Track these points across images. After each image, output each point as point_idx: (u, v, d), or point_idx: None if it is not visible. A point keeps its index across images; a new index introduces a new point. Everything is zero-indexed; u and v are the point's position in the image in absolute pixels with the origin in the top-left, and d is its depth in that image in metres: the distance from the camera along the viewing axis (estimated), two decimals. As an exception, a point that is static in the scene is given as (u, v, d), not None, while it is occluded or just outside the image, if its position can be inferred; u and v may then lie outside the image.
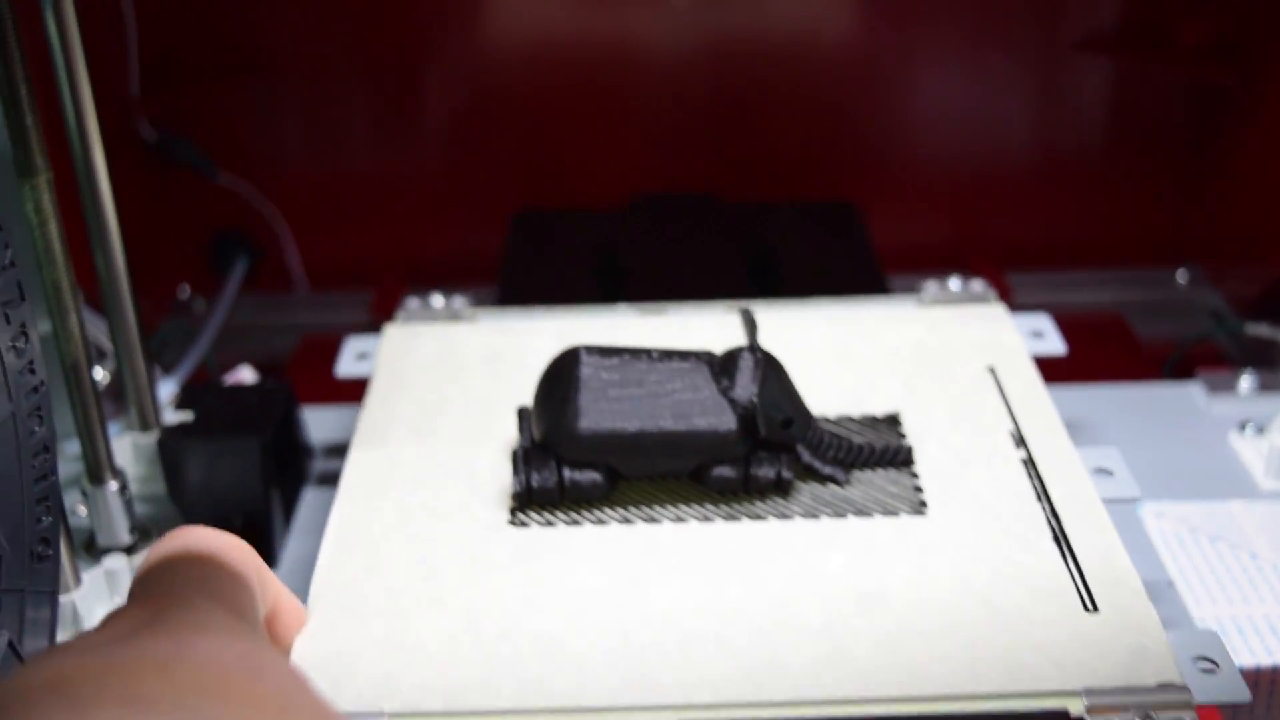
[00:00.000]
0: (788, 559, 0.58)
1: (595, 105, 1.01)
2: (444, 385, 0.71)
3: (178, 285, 1.03)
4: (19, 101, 0.62)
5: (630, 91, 1.01)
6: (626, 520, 0.61)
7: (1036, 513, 0.60)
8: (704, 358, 0.62)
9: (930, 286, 0.77)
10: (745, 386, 0.61)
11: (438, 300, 0.79)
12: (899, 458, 0.64)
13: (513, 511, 0.62)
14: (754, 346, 0.63)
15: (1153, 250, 1.02)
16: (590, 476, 0.61)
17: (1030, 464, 0.63)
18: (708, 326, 0.74)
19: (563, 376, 0.61)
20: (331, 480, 0.68)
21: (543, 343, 0.71)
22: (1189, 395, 0.83)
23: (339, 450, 0.72)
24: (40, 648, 0.54)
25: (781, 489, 0.62)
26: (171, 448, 0.72)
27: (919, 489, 0.62)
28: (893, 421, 0.67)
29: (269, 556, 0.71)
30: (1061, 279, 1.02)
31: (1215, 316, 0.97)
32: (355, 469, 0.65)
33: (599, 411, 0.60)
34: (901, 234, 0.99)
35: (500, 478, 0.64)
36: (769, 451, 0.62)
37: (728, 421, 0.60)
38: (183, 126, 0.99)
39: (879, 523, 0.60)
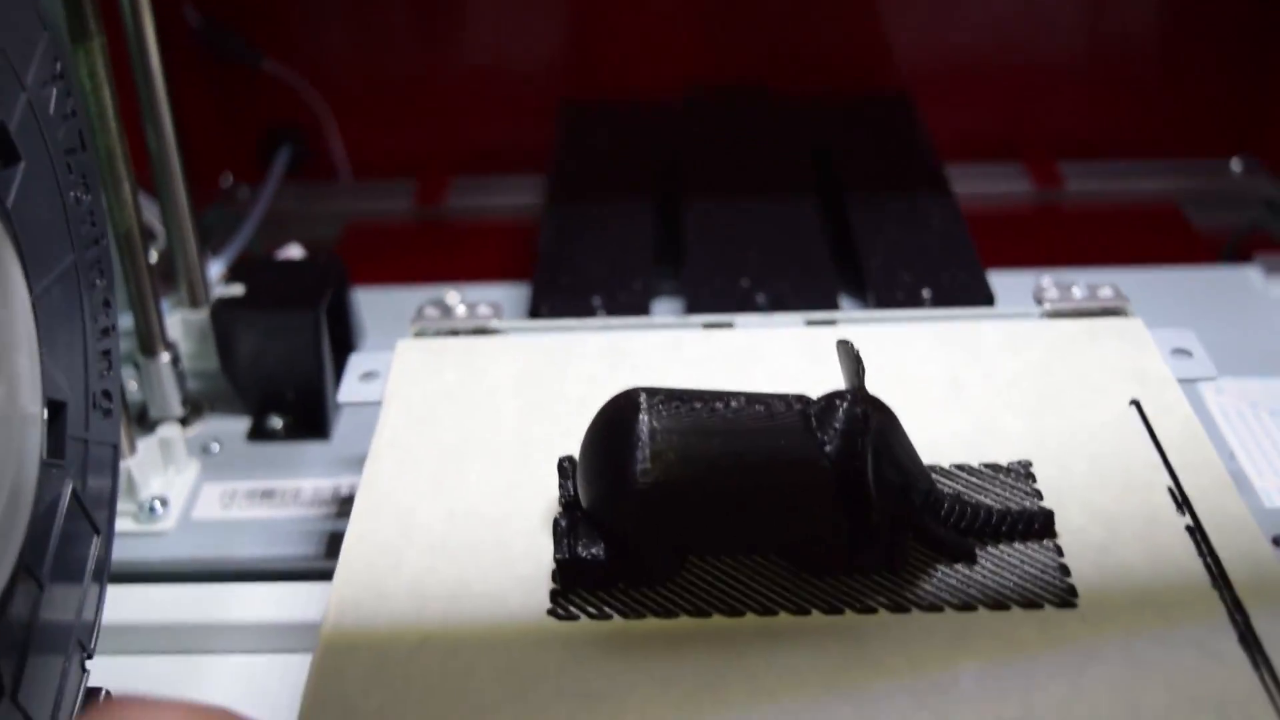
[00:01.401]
0: (906, 668, 0.46)
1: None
2: (466, 421, 0.58)
3: (221, 174, 1.02)
4: (71, -38, 0.61)
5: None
6: (699, 610, 0.48)
7: (1214, 604, 0.47)
8: (796, 404, 0.49)
9: (1049, 288, 0.65)
10: (849, 442, 0.47)
11: (459, 306, 0.66)
12: (1037, 526, 0.51)
13: (553, 597, 0.49)
14: (859, 391, 0.49)
15: (1207, 139, 1.00)
16: (653, 553, 0.49)
17: (1198, 533, 0.51)
18: (787, 344, 0.62)
19: (618, 427, 0.48)
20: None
21: (588, 366, 0.60)
22: (1246, 278, 0.82)
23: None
24: (103, 499, 0.54)
25: (893, 569, 0.49)
26: (224, 319, 0.72)
27: (1064, 569, 0.49)
28: (1023, 473, 0.54)
29: (322, 430, 0.72)
30: (1115, 168, 1.00)
31: (1270, 205, 0.96)
32: (358, 535, 0.52)
33: (663, 470, 0.47)
34: (954, 123, 0.97)
35: (537, 550, 0.51)
36: (878, 522, 0.49)
37: (826, 485, 0.47)
38: (228, 13, 0.98)
39: (1019, 619, 0.47)
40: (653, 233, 0.81)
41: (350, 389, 0.62)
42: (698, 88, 0.98)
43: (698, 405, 0.48)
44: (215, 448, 0.72)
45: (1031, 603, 0.48)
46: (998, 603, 0.48)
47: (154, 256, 0.78)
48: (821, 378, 0.57)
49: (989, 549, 0.50)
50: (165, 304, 0.75)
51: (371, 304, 0.80)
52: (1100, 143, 1.01)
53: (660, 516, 0.48)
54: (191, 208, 0.74)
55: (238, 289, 0.73)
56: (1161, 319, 0.65)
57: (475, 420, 0.58)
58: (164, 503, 0.67)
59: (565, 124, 0.95)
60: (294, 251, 0.83)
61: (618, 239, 0.80)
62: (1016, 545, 0.50)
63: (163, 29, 0.69)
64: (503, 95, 1.02)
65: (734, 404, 0.49)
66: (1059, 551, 0.50)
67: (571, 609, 0.48)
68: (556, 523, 0.50)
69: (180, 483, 0.69)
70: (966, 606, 0.48)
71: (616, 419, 0.49)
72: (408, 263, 0.92)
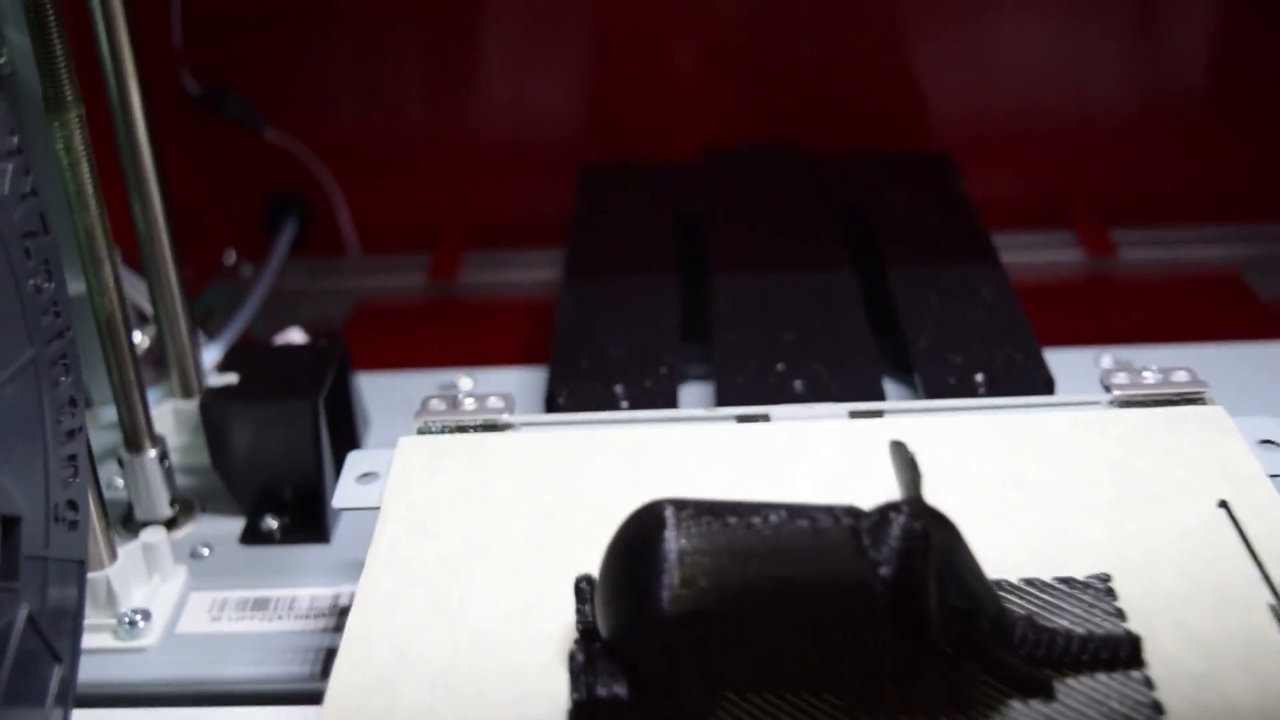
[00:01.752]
0: None
1: (665, 49, 0.96)
2: (473, 530, 0.52)
3: (224, 250, 0.98)
4: (47, 28, 0.58)
5: (704, 33, 0.95)
6: None
7: None
8: (845, 518, 0.43)
9: (1117, 374, 0.59)
10: (907, 563, 0.42)
11: (466, 400, 0.60)
12: (1123, 654, 0.45)
13: None
14: (917, 502, 0.43)
15: (1270, 200, 0.95)
16: (683, 692, 0.43)
17: None
18: (830, 439, 0.56)
19: (642, 547, 0.43)
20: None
21: (609, 466, 0.55)
22: (1323, 352, 0.76)
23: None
24: (67, 619, 0.49)
25: (959, 707, 0.43)
26: (215, 410, 0.67)
27: (1157, 706, 0.43)
28: (1103, 589, 0.48)
29: (321, 532, 0.67)
30: (1171, 234, 0.95)
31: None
32: (348, 665, 0.46)
33: (694, 598, 0.41)
34: (997, 187, 0.92)
35: (552, 687, 0.44)
36: (940, 654, 0.43)
37: (881, 612, 0.42)
38: (228, 79, 0.94)
39: None
40: (678, 307, 0.76)
41: (347, 492, 0.57)
42: (720, 149, 0.94)
43: (732, 520, 0.43)
44: (205, 552, 0.67)
45: None
46: None
47: (145, 342, 0.74)
48: (868, 476, 0.53)
49: (1067, 681, 0.44)
50: (156, 393, 0.71)
51: (378, 391, 0.76)
52: (1155, 207, 0.96)
53: (691, 650, 0.42)
54: (183, 288, 0.69)
55: (231, 378, 0.68)
56: (1239, 402, 0.59)
57: (483, 530, 0.52)
58: (145, 616, 0.61)
59: (584, 190, 0.90)
60: (294, 336, 0.79)
61: (641, 317, 0.74)
62: (1100, 677, 0.44)
63: (157, 97, 0.64)
64: (519, 163, 0.98)
65: (773, 518, 0.43)
66: (1149, 684, 0.44)
67: (588, 758, 0.42)
68: (573, 656, 0.44)
69: (165, 592, 0.64)
70: None
71: (640, 538, 0.43)
72: (419, 344, 0.87)
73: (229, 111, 0.93)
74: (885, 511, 0.43)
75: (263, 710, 0.56)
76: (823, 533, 0.43)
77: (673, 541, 0.42)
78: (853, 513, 0.43)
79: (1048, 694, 0.44)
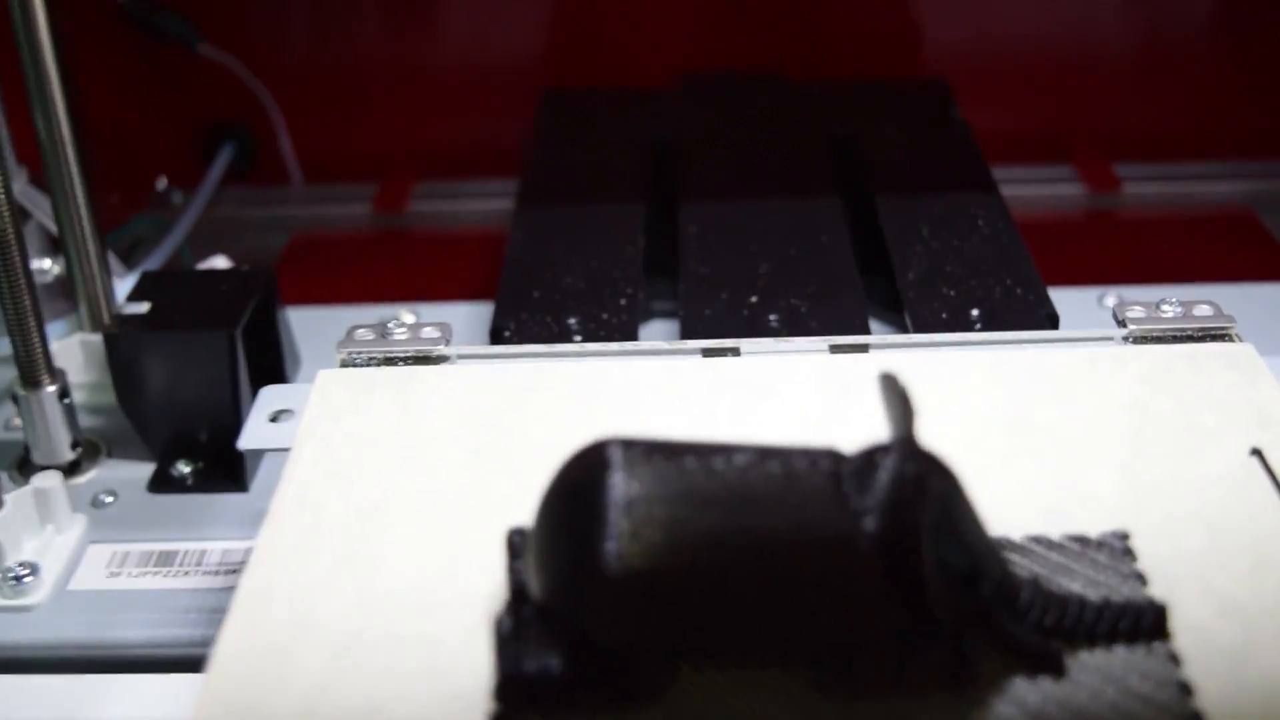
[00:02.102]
0: None
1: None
2: (395, 476, 0.45)
3: (156, 176, 0.92)
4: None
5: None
6: None
7: None
8: (823, 460, 0.37)
9: (1133, 310, 0.53)
10: (899, 515, 0.35)
11: (398, 330, 0.53)
12: (1145, 624, 0.39)
13: None
14: (910, 444, 0.37)
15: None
16: (630, 662, 0.36)
17: None
18: (807, 376, 0.50)
19: (582, 493, 0.36)
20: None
21: (557, 405, 0.48)
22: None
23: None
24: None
25: (958, 683, 0.37)
26: (121, 342, 0.61)
27: (1185, 685, 0.37)
28: (1120, 548, 0.42)
29: (238, 479, 0.61)
30: (1178, 169, 0.90)
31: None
32: (237, 632, 0.39)
33: (644, 553, 0.35)
34: (994, 118, 0.86)
35: (476, 658, 0.38)
36: (935, 622, 0.36)
37: (867, 572, 0.35)
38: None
39: None
40: (643, 239, 0.69)
41: (256, 431, 0.50)
42: (699, 74, 0.88)
43: (690, 462, 0.36)
44: (108, 499, 0.61)
45: None
46: None
47: (54, 269, 0.68)
48: (852, 418, 0.46)
49: (1081, 655, 0.38)
50: (64, 326, 0.66)
51: (310, 326, 0.70)
52: (1161, 141, 0.91)
53: (639, 615, 0.35)
54: (91, 209, 0.64)
55: (141, 307, 0.62)
56: (1262, 347, 0.53)
57: (406, 475, 0.45)
58: (33, 570, 0.55)
59: (545, 116, 0.84)
60: (218, 264, 0.71)
61: (601, 247, 0.68)
62: (1118, 650, 0.38)
63: (81, 6, 0.57)
64: (476, 88, 0.92)
65: (739, 460, 0.36)
66: (1175, 660, 0.38)
67: (515, 744, 0.35)
68: (499, 621, 0.37)
69: (59, 545, 0.57)
70: None
71: (581, 482, 0.36)
72: (362, 279, 0.81)
73: (161, 25, 0.86)
74: (871, 454, 0.36)
75: (159, 678, 0.51)
76: (797, 477, 0.36)
77: (619, 486, 0.35)
78: (833, 455, 0.37)
79: (1058, 669, 0.37)
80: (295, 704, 0.37)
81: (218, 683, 0.38)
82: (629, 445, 0.36)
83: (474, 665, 0.37)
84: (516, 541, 0.39)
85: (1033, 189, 0.87)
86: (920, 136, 0.79)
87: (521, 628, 0.37)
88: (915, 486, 0.35)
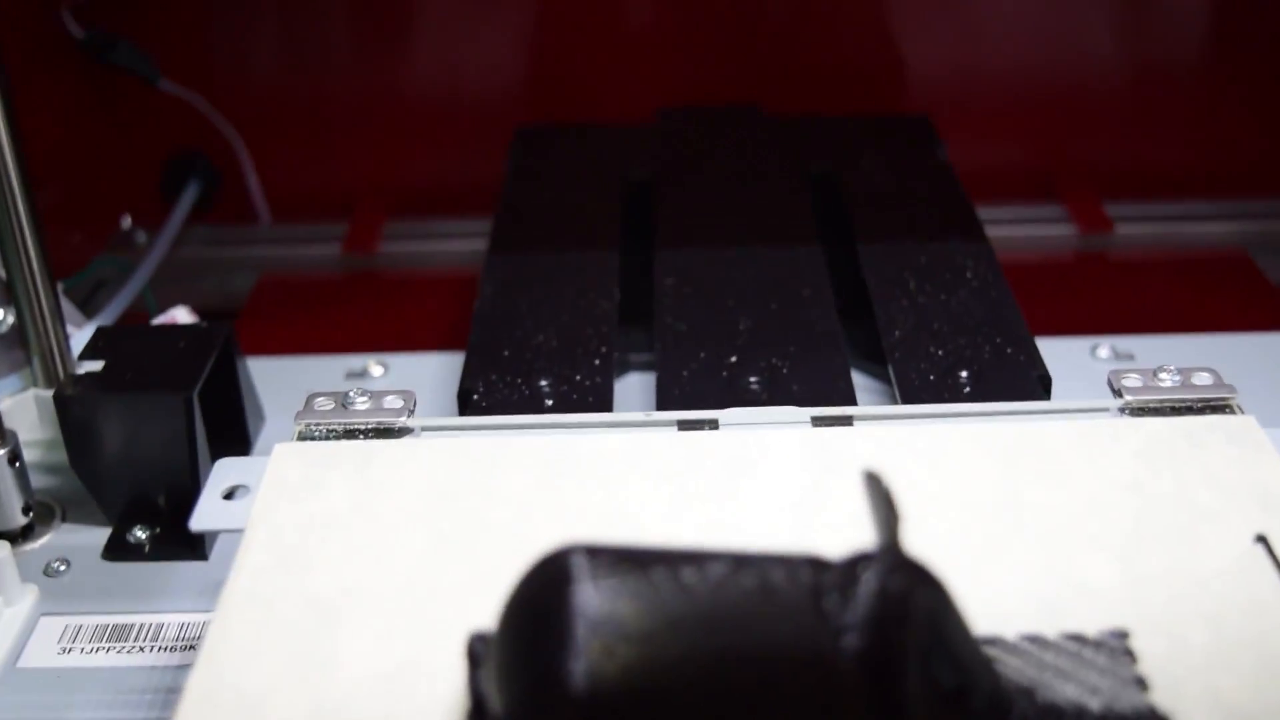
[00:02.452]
0: None
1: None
2: (352, 564, 0.43)
3: (119, 216, 0.90)
4: None
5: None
6: None
7: None
8: (803, 572, 0.35)
9: (1130, 379, 0.52)
10: (882, 635, 0.33)
11: (359, 399, 0.51)
12: None
13: None
14: (893, 555, 0.35)
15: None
16: None
17: None
18: (789, 450, 0.48)
19: (544, 606, 0.34)
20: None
21: (525, 483, 0.46)
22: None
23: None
24: None
25: None
26: (73, 403, 0.58)
27: None
28: (1119, 649, 0.39)
29: (197, 546, 0.58)
30: (1170, 210, 0.89)
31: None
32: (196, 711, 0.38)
33: (611, 672, 0.32)
34: (979, 156, 0.85)
35: None
36: None
37: (849, 695, 0.33)
38: (119, 23, 0.85)
39: None
40: (617, 292, 0.66)
41: (208, 511, 0.48)
42: (674, 109, 0.86)
43: (660, 574, 0.34)
44: (61, 568, 0.58)
45: None
46: None
47: (7, 321, 0.65)
48: (834, 496, 0.44)
49: (1082, 771, 0.35)
50: (17, 381, 0.63)
51: (277, 379, 0.68)
52: (1153, 180, 0.90)
53: None
54: (44, 257, 0.61)
55: (96, 366, 0.59)
56: (1259, 403, 0.52)
57: (364, 563, 0.43)
58: (-22, 647, 0.52)
59: (518, 154, 0.81)
60: (179, 315, 0.69)
61: (573, 301, 0.65)
62: None
63: (30, 36, 0.56)
64: (449, 124, 0.91)
65: (712, 572, 0.34)
66: None
67: None
68: None
69: (9, 618, 0.55)
70: None
71: (543, 596, 0.34)
72: (331, 324, 0.79)
73: (118, 59, 0.83)
74: (854, 565, 0.34)
75: None
76: (774, 591, 0.34)
77: (584, 602, 0.33)
78: (813, 565, 0.34)
79: None
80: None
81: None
82: (594, 554, 0.34)
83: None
84: (478, 649, 0.37)
85: (1021, 229, 0.86)
86: (904, 177, 0.77)
87: None
88: (900, 602, 0.33)
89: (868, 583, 0.34)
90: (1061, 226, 0.87)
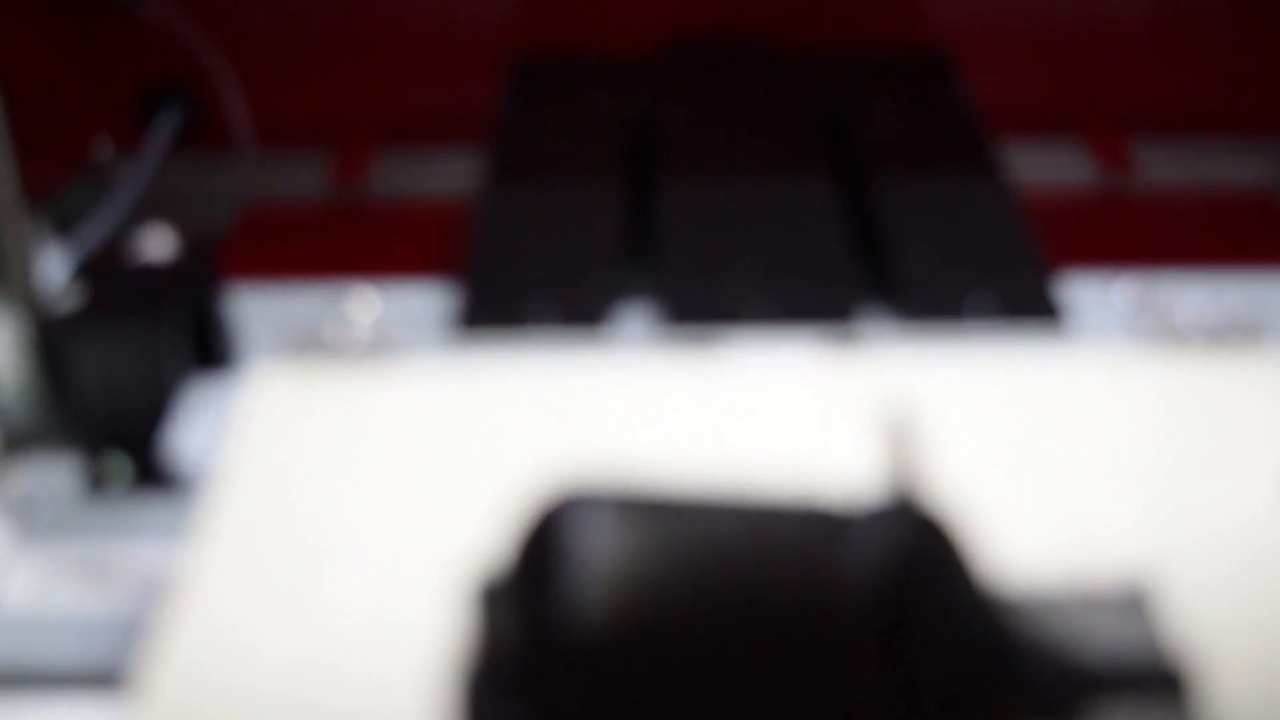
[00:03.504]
0: None
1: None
2: (337, 495, 0.42)
3: (95, 144, 0.87)
4: None
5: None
6: None
7: None
8: (813, 519, 0.34)
9: (1152, 312, 0.52)
10: (893, 586, 0.33)
11: (348, 322, 0.51)
12: (1169, 692, 0.35)
13: None
14: (908, 507, 0.34)
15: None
16: None
17: None
18: (793, 377, 0.47)
19: (546, 553, 0.34)
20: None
21: (518, 409, 0.44)
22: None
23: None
24: None
25: None
26: (47, 331, 0.57)
27: None
28: (1140, 601, 0.38)
29: (175, 482, 0.55)
30: (1195, 148, 0.87)
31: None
32: (159, 675, 0.36)
33: (612, 621, 0.32)
34: (998, 89, 0.83)
35: (425, 711, 0.35)
36: (932, 706, 0.33)
37: (858, 646, 0.32)
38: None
39: None
40: (619, 220, 0.66)
41: (185, 437, 0.45)
42: (679, 43, 0.85)
43: (665, 520, 0.33)
44: (33, 504, 0.56)
45: None
46: None
47: None
48: (841, 424, 0.44)
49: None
50: None
51: (260, 308, 0.65)
52: (1177, 117, 0.89)
53: (609, 688, 0.32)
54: (15, 178, 0.59)
55: (71, 292, 0.58)
56: None
57: (351, 494, 0.42)
58: (-54, 584, 0.50)
59: (515, 85, 0.81)
60: (158, 238, 0.67)
61: (573, 228, 0.65)
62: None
63: None
64: (442, 49, 0.89)
65: (719, 519, 0.33)
66: None
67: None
68: (460, 684, 0.33)
69: (-24, 554, 0.52)
70: None
71: (544, 541, 0.33)
72: (318, 255, 0.77)
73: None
74: (868, 516, 0.33)
75: (86, 699, 0.47)
76: (783, 541, 0.33)
77: (586, 548, 0.32)
78: (824, 516, 0.34)
79: None
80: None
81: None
82: (597, 502, 0.33)
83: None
84: (478, 596, 0.35)
85: (1038, 168, 0.84)
86: (918, 113, 0.76)
87: (484, 695, 0.33)
88: (914, 556, 0.33)
89: (880, 533, 0.33)
90: (1080, 165, 0.86)
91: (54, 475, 0.57)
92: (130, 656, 0.47)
